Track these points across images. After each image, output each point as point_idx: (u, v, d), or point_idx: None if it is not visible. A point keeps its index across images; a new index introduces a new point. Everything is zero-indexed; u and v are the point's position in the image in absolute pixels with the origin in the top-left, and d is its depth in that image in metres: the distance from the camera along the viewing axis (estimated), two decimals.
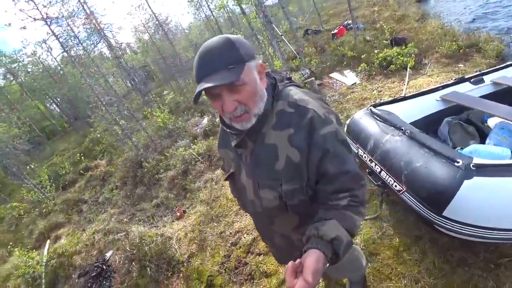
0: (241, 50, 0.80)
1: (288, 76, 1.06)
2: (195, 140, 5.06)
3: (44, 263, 3.94)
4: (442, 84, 2.84)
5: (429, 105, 2.69)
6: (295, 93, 0.95)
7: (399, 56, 5.07)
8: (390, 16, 8.72)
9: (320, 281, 2.24)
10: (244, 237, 2.96)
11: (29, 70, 17.51)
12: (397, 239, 2.19)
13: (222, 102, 0.83)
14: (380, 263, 2.11)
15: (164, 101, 8.42)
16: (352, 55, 6.03)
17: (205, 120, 5.79)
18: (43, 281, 3.66)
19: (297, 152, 0.88)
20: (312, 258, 0.71)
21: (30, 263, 3.91)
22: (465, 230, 1.64)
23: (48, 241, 4.83)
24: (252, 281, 2.52)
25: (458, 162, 1.67)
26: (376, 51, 5.69)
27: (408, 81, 4.58)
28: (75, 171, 7.22)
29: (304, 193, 0.92)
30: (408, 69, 4.85)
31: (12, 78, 16.96)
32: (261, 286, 2.43)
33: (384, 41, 6.20)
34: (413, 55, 5.11)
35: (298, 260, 0.72)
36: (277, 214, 1.04)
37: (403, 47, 5.40)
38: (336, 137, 0.89)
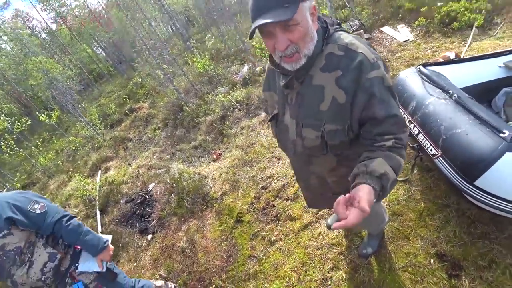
0: None
1: (338, 21, 1.04)
2: (234, 88, 5.07)
3: (97, 189, 4.45)
4: (509, 49, 2.46)
5: (488, 71, 2.38)
6: (346, 37, 0.95)
7: (466, 12, 4.34)
8: None
9: (340, 231, 2.29)
10: (274, 183, 3.05)
11: (77, 14, 18.09)
12: (423, 204, 2.16)
13: (275, 40, 0.86)
14: (401, 224, 2.11)
15: (205, 47, 8.37)
16: (410, 7, 5.32)
17: (245, 69, 5.70)
18: (97, 203, 4.17)
19: (344, 93, 0.92)
20: (365, 191, 0.76)
21: (87, 187, 4.44)
22: (495, 203, 1.62)
23: (99, 171, 5.39)
24: (277, 222, 2.65)
25: (503, 133, 1.62)
26: (439, 4, 4.97)
27: (471, 43, 3.97)
28: (121, 112, 7.71)
29: (345, 134, 0.97)
30: (473, 28, 4.17)
31: (62, 22, 17.72)
32: (285, 227, 2.56)
33: None
34: (483, 11, 4.38)
35: (347, 195, 0.76)
36: (317, 155, 1.09)
37: (473, 0, 4.63)
38: (383, 82, 0.90)
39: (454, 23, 4.32)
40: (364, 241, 2.09)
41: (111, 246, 1.84)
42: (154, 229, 3.35)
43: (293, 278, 2.19)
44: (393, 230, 2.11)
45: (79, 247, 1.84)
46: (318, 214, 2.52)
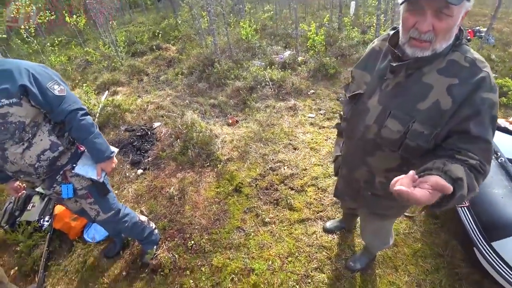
0: None
1: (468, 37, 0.95)
2: (272, 66, 4.89)
3: (101, 106, 4.26)
4: None
5: None
6: (475, 53, 0.93)
7: None
8: None
9: (334, 237, 2.22)
10: (284, 169, 2.94)
11: None
12: (419, 245, 2.17)
13: (420, 19, 0.84)
14: (394, 254, 2.12)
15: (254, 18, 8.09)
16: None
17: (287, 53, 5.51)
18: (96, 119, 3.98)
19: (451, 101, 0.88)
20: (438, 178, 0.66)
21: (91, 100, 4.24)
22: (502, 270, 1.65)
23: (107, 92, 5.18)
24: (276, 206, 2.56)
25: None
26: (494, 75, 4.87)
27: None
28: (147, 45, 7.42)
29: (428, 140, 0.92)
30: None
31: None
32: (282, 214, 2.47)
33: (510, 69, 5.26)
34: None
35: (413, 174, 0.70)
36: (384, 149, 1.06)
37: None
38: (492, 108, 0.87)
39: (503, 97, 4.22)
40: (355, 256, 2.07)
41: (115, 160, 1.71)
42: (147, 165, 3.20)
43: (276, 264, 2.11)
44: (384, 257, 2.09)
45: (82, 148, 1.70)
46: (318, 214, 2.44)
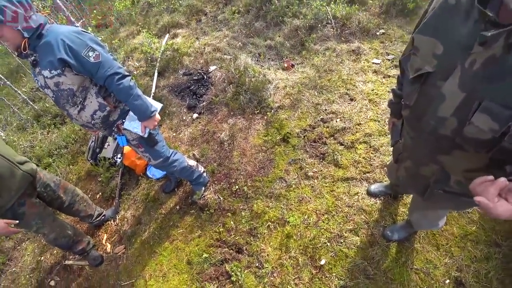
0: None
1: None
2: (336, 0, 4.27)
3: (161, 51, 4.40)
4: None
5: None
6: None
7: None
8: None
9: (377, 202, 2.08)
10: (336, 121, 2.75)
11: None
12: (474, 228, 1.88)
13: None
14: (441, 232, 1.89)
15: None
16: None
17: None
18: (157, 64, 4.17)
19: None
20: None
21: (152, 46, 4.40)
22: None
23: (167, 35, 5.27)
24: (321, 160, 2.47)
25: None
26: None
27: None
28: None
29: None
30: None
31: None
32: (326, 169, 2.39)
33: None
34: None
35: (506, 181, 0.61)
36: (467, 149, 0.81)
37: None
38: None
39: None
40: (395, 226, 1.94)
41: (158, 117, 1.79)
42: (201, 110, 3.34)
43: (311, 219, 2.13)
44: (428, 232, 1.92)
45: None
46: (364, 175, 2.30)
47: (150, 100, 1.83)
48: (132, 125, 1.79)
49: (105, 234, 2.71)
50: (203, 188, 2.47)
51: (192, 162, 2.33)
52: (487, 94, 0.69)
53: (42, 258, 2.82)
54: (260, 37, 4.22)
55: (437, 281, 1.76)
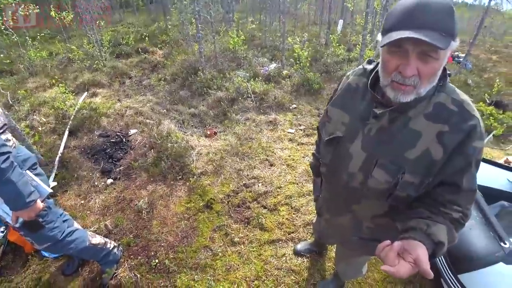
0: (456, 24, 0.73)
1: (449, 72, 0.93)
2: (255, 78, 4.89)
3: (76, 108, 4.11)
4: None
5: (496, 179, 2.47)
6: (461, 94, 0.87)
7: (490, 118, 4.50)
8: (507, 74, 7.63)
9: (304, 260, 2.19)
10: (258, 186, 2.90)
11: None
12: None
13: (403, 62, 0.76)
14: (365, 279, 2.08)
15: (243, 28, 8.10)
16: None
17: (273, 66, 5.53)
18: (70, 122, 3.83)
19: (442, 150, 0.83)
20: (424, 252, 0.71)
21: (67, 102, 4.08)
22: None
23: (86, 93, 5.02)
24: (246, 225, 2.50)
25: (505, 244, 1.66)
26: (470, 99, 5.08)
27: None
28: (133, 47, 7.29)
29: (418, 190, 0.88)
30: (491, 135, 4.29)
31: None
32: (252, 234, 2.42)
33: (485, 94, 5.49)
34: (505, 124, 4.53)
35: (398, 244, 0.73)
36: (370, 197, 0.99)
37: (501, 112, 4.77)
38: (480, 155, 0.85)
39: None
40: (324, 281, 2.02)
41: (40, 205, 1.48)
42: (118, 175, 3.09)
43: None
44: (354, 282, 2.06)
45: None
46: (289, 235, 2.40)
47: (38, 182, 1.55)
48: (3, 208, 1.46)
49: None
50: (115, 265, 2.14)
51: (98, 240, 1.99)
52: (381, 153, 0.90)
53: None
54: (185, 105, 4.38)
55: None
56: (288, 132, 3.84)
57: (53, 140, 3.60)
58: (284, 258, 2.23)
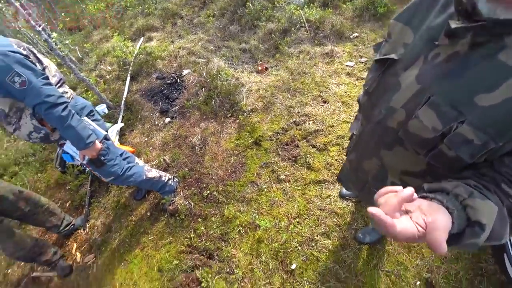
0: None
1: None
2: (311, 4, 4.32)
3: (134, 54, 4.30)
4: None
5: None
6: None
7: None
8: None
9: (349, 204, 2.08)
10: (309, 124, 2.75)
11: None
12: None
13: None
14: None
15: None
16: None
17: None
18: (130, 68, 4.06)
19: None
20: (447, 221, 0.50)
21: (125, 50, 4.28)
22: None
23: (142, 38, 5.17)
24: (293, 163, 2.46)
25: None
26: None
27: None
28: None
29: (475, 155, 0.62)
30: None
31: None
32: (298, 172, 2.37)
33: None
34: None
35: (411, 193, 0.49)
36: (406, 146, 0.77)
37: None
38: None
39: None
40: (366, 228, 1.93)
41: (99, 146, 1.69)
42: (174, 114, 3.26)
43: (283, 223, 2.10)
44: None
45: None
46: (336, 177, 2.29)
47: (95, 127, 1.76)
48: (73, 148, 1.71)
49: (75, 244, 2.59)
50: (172, 194, 2.39)
51: (153, 174, 2.21)
52: (440, 90, 0.66)
53: (9, 271, 2.66)
54: (235, 41, 4.20)
55: (408, 283, 1.75)
56: (347, 66, 3.43)
57: (118, 86, 3.91)
58: (329, 199, 2.17)
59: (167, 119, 3.23)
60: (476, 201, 0.53)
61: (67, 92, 1.73)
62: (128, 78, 3.90)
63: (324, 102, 2.99)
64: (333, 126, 2.70)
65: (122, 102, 3.49)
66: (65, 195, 2.99)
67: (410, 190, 0.50)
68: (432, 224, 0.48)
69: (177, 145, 2.90)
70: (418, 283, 1.75)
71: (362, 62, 3.46)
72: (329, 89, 3.12)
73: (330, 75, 3.33)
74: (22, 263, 2.59)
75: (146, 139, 3.12)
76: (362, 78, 3.22)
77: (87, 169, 2.91)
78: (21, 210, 2.09)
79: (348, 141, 1.34)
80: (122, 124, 3.19)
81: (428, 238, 0.48)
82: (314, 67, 3.44)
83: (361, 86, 3.08)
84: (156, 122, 3.27)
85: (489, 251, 1.77)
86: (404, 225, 0.49)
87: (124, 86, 3.82)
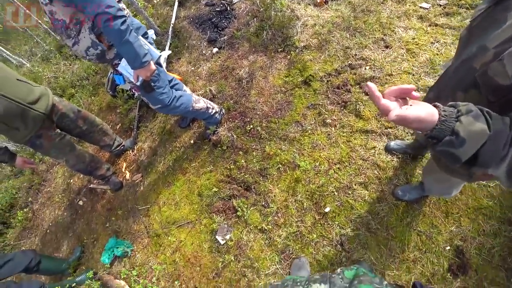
0: None
1: None
2: None
3: None
4: None
5: None
6: None
7: None
8: None
9: (393, 161, 1.97)
10: (365, 69, 2.52)
11: None
12: (490, 203, 1.75)
13: None
14: (454, 200, 1.80)
15: None
16: None
17: None
18: None
19: None
20: (418, 112, 0.59)
21: None
22: None
23: None
24: (342, 108, 2.34)
25: None
26: None
27: None
28: None
29: None
30: None
31: None
32: (346, 119, 2.26)
33: None
34: None
35: (415, 93, 0.64)
36: (482, 91, 0.71)
37: None
38: None
39: None
40: (407, 186, 1.87)
41: (153, 67, 1.64)
42: (222, 44, 3.15)
43: (322, 166, 2.09)
44: (441, 199, 1.83)
45: None
46: (385, 130, 2.16)
47: (150, 47, 1.70)
48: (127, 69, 1.68)
49: (125, 163, 2.84)
50: (216, 125, 2.43)
51: (201, 105, 2.22)
52: None
53: (71, 181, 3.06)
54: None
55: (437, 245, 1.73)
56: (420, 7, 2.94)
57: (166, 11, 3.77)
58: (373, 151, 2.08)
59: (215, 49, 3.14)
60: (468, 118, 0.57)
61: (124, 9, 1.68)
62: (176, 3, 3.73)
63: (386, 47, 2.67)
64: (391, 75, 2.45)
65: (170, 29, 3.40)
66: (116, 118, 3.19)
67: (411, 86, 0.62)
68: (409, 107, 0.60)
69: (223, 77, 2.86)
70: (448, 248, 1.73)
71: (441, 5, 2.94)
72: (395, 33, 2.75)
73: (399, 16, 2.90)
74: (82, 175, 2.95)
75: (192, 68, 3.11)
76: (436, 25, 2.78)
77: (136, 94, 3.03)
78: (80, 128, 2.27)
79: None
80: (170, 52, 3.17)
81: (398, 113, 0.59)
82: (382, 5, 3.01)
83: (433, 34, 2.69)
84: (204, 52, 3.19)
85: None
86: (387, 102, 0.61)
87: (172, 11, 3.68)
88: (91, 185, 2.83)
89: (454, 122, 0.57)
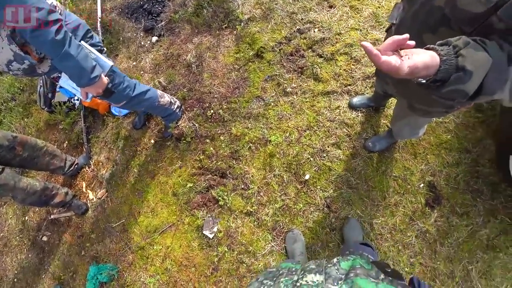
0: None
1: None
2: None
3: None
4: None
5: None
6: None
7: None
8: None
9: (359, 115, 2.03)
10: (314, 32, 2.48)
11: None
12: (449, 136, 1.92)
13: None
14: (418, 141, 1.94)
15: None
16: None
17: None
18: None
19: None
20: (422, 58, 0.55)
21: None
22: None
23: None
24: (300, 74, 2.31)
25: None
26: None
27: None
28: None
29: None
30: None
31: None
32: (306, 84, 2.25)
33: None
34: None
35: (410, 42, 0.60)
36: (453, 26, 0.71)
37: None
38: None
39: None
40: (376, 137, 1.95)
41: (105, 80, 1.36)
42: (161, 31, 2.90)
43: (293, 136, 2.07)
44: (407, 142, 1.96)
45: None
46: (345, 88, 2.18)
47: (97, 54, 1.39)
48: (71, 84, 1.39)
49: (84, 182, 2.58)
50: (175, 121, 2.27)
51: (166, 100, 2.04)
52: None
53: (27, 218, 2.71)
54: None
55: (413, 185, 1.86)
56: None
57: (89, 5, 3.36)
58: (338, 110, 2.10)
59: (154, 38, 2.89)
60: (469, 50, 0.55)
61: (56, 6, 1.30)
62: None
63: (330, 7, 2.64)
64: (340, 33, 2.44)
65: (98, 24, 3.05)
66: (60, 135, 2.85)
67: (405, 35, 0.58)
68: (410, 56, 0.56)
69: (170, 65, 2.66)
70: (421, 185, 1.86)
71: None
72: None
73: None
74: (37, 208, 2.61)
75: (134, 63, 2.84)
76: None
77: (77, 104, 2.70)
78: (20, 156, 1.98)
79: (384, 34, 1.23)
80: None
81: (400, 63, 0.55)
82: None
83: None
84: (142, 43, 2.93)
85: (488, 156, 1.84)
86: (388, 58, 0.55)
87: (95, 5, 3.29)
88: (52, 216, 2.52)
89: (455, 59, 0.55)
